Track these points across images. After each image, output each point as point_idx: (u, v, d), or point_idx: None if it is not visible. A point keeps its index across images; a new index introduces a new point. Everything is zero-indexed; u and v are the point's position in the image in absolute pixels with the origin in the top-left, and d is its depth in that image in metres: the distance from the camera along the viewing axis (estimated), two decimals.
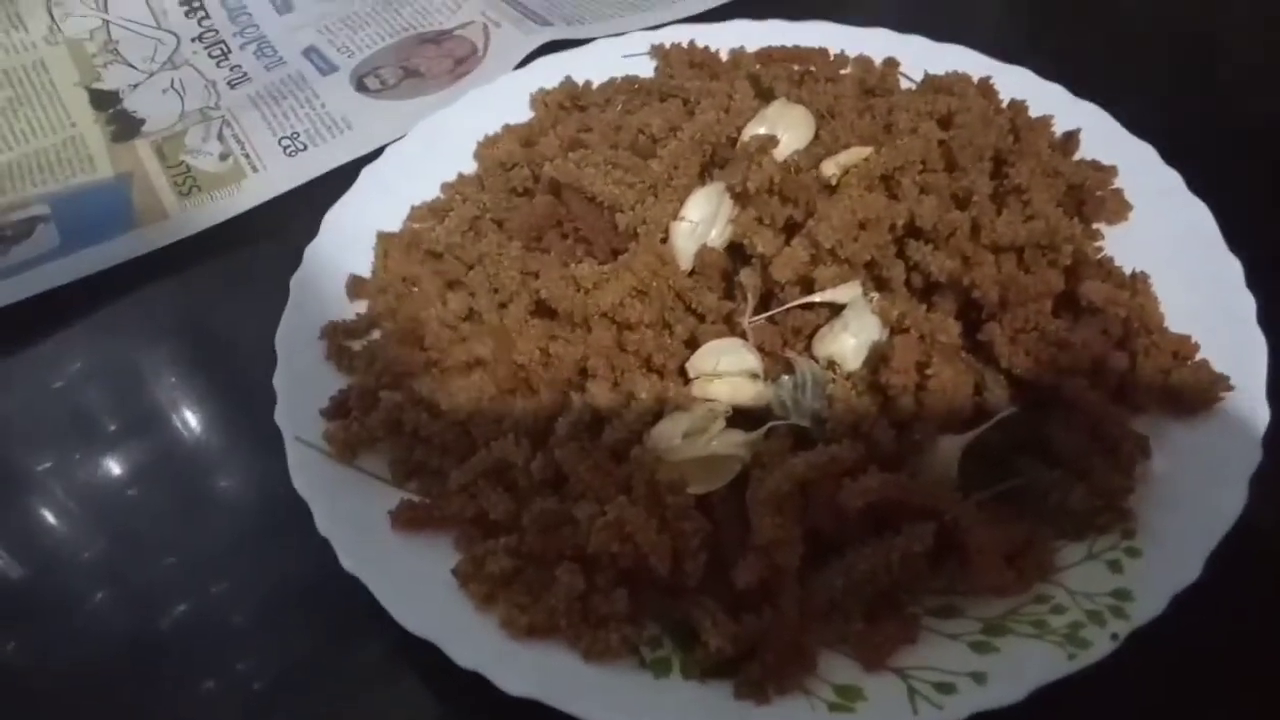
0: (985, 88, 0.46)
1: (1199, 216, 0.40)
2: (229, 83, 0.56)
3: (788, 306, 0.37)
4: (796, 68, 0.48)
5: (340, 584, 0.32)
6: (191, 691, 0.34)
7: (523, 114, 0.48)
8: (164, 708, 0.34)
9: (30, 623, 0.37)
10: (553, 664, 0.31)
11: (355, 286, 0.42)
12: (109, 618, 0.37)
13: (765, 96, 0.44)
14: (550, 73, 0.50)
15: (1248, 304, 0.37)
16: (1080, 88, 0.47)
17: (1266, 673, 0.32)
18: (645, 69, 0.50)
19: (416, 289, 0.41)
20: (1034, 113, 0.45)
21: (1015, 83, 0.47)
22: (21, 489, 0.41)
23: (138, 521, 0.39)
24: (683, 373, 0.36)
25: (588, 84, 0.49)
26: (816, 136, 0.41)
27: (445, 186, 0.46)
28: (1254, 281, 0.37)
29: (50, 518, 0.40)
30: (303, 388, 0.38)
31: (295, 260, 0.43)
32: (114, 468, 0.42)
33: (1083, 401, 0.34)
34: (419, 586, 0.33)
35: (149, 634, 0.36)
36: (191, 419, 0.43)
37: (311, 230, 0.44)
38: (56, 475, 0.42)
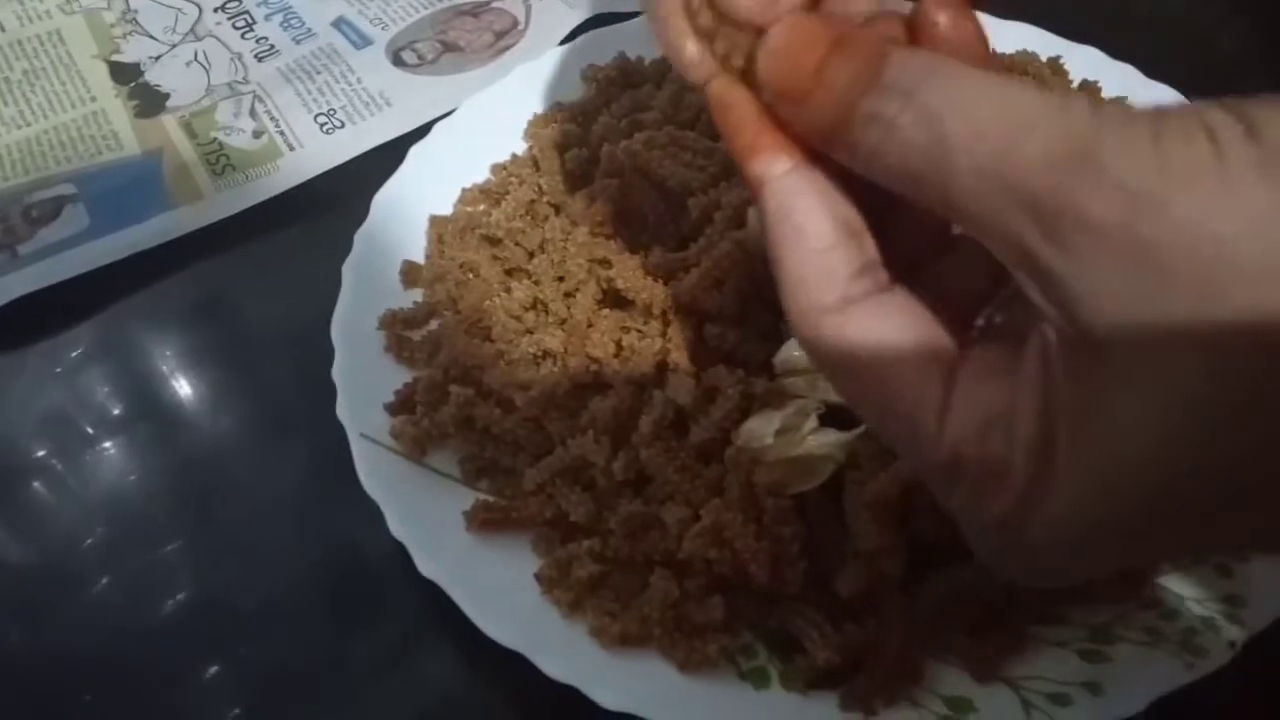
0: (1055, 68, 0.45)
1: None
2: (256, 55, 0.53)
3: None
4: None
5: (359, 574, 0.35)
6: (197, 679, 0.34)
7: (573, 91, 0.47)
8: (166, 696, 0.33)
9: (55, 606, 0.36)
10: (648, 676, 0.29)
11: (410, 273, 0.40)
12: (121, 604, 0.36)
13: None
14: (600, 47, 0.47)
15: None
16: (1152, 68, 0.45)
17: None
18: None
19: (474, 276, 0.39)
20: (1106, 94, 0.44)
21: (1085, 62, 0.45)
22: (46, 478, 0.39)
23: (155, 511, 0.38)
24: (768, 367, 0.34)
25: (640, 59, 0.47)
26: None
27: (495, 168, 0.44)
28: None
29: (68, 506, 0.39)
30: (362, 380, 0.36)
31: (335, 242, 0.41)
32: (143, 456, 0.40)
33: None
34: (500, 593, 0.31)
35: (156, 620, 0.35)
36: (228, 406, 0.41)
37: (351, 212, 0.42)
38: (85, 464, 0.40)
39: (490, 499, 0.34)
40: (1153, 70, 0.45)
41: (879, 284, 0.21)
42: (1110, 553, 0.19)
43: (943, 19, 0.21)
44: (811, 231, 0.20)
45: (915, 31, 0.22)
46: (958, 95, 0.18)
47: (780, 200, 0.21)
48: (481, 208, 0.42)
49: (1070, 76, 0.45)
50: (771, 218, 0.21)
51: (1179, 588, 0.30)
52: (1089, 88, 0.44)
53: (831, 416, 0.33)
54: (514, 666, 0.29)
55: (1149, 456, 0.17)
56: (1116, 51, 0.46)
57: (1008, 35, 0.46)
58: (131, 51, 0.54)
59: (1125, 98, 0.43)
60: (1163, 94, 0.44)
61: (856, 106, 0.19)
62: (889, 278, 0.21)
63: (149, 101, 0.51)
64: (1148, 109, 0.18)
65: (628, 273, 0.36)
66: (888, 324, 0.20)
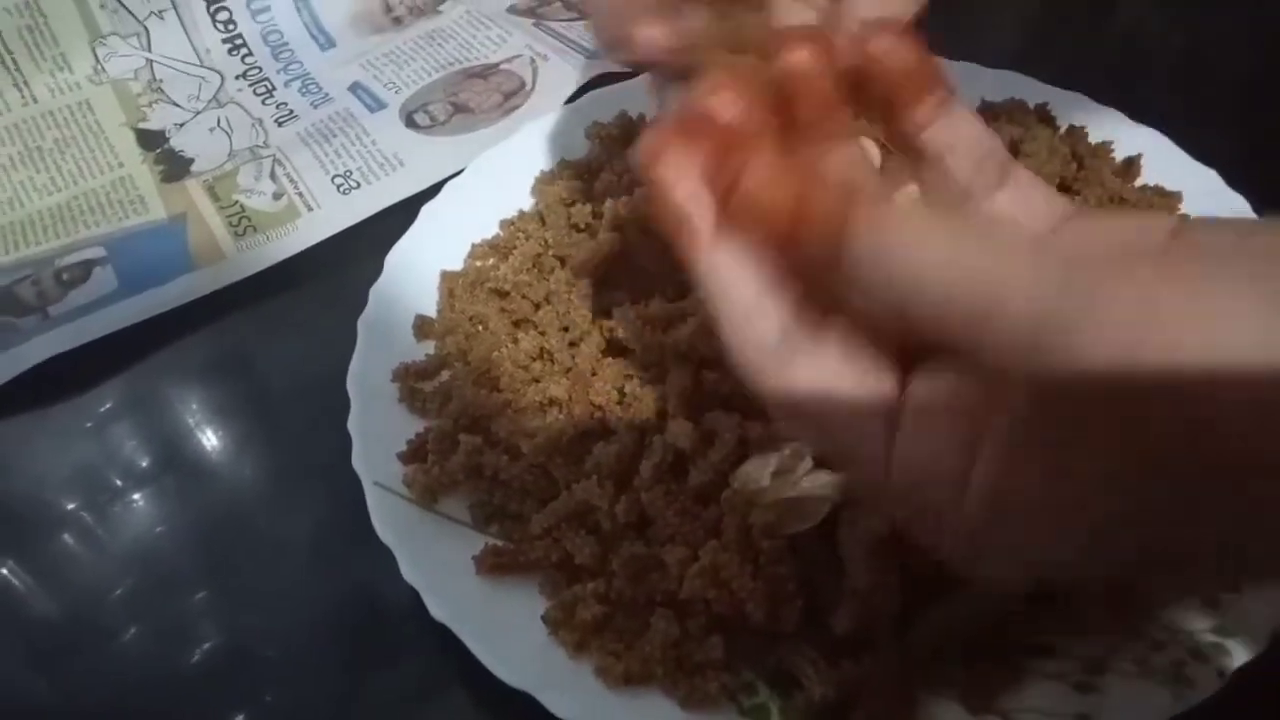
0: (1042, 114, 0.46)
1: None
2: (276, 120, 0.56)
3: None
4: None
5: (375, 618, 0.36)
6: None
7: (577, 148, 0.48)
8: None
9: (84, 656, 0.37)
10: (652, 714, 0.30)
11: (422, 327, 0.42)
12: (149, 653, 0.37)
13: None
14: (603, 106, 0.49)
15: None
16: (1138, 113, 0.46)
17: None
18: None
19: (483, 328, 0.41)
20: (1092, 139, 0.45)
21: (1071, 107, 0.47)
22: (76, 529, 0.41)
23: (180, 561, 0.39)
24: (764, 412, 0.35)
25: (641, 117, 0.49)
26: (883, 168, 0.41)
27: (504, 224, 0.46)
28: None
29: (97, 558, 0.40)
30: (376, 431, 0.38)
31: (350, 298, 0.43)
32: (168, 507, 0.41)
33: None
34: (509, 635, 0.32)
35: (183, 668, 0.36)
36: (249, 458, 0.43)
37: (366, 269, 0.44)
38: (113, 515, 0.41)
39: (499, 543, 0.35)
40: (1139, 115, 0.46)
41: (812, 325, 0.21)
42: (1057, 567, 0.21)
43: (881, 48, 0.22)
44: (738, 293, 0.22)
45: (867, 62, 0.23)
46: (923, 260, 0.19)
47: (708, 268, 0.22)
48: (490, 262, 0.44)
49: (1057, 123, 0.46)
50: (704, 287, 0.22)
51: (1169, 619, 0.31)
52: (1075, 133, 0.45)
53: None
54: (523, 706, 0.30)
55: (1105, 514, 0.18)
56: (1103, 97, 0.47)
57: (995, 83, 0.48)
58: (157, 119, 0.57)
59: (1110, 142, 0.45)
60: (1148, 137, 0.45)
61: (829, 267, 0.20)
62: (820, 315, 0.22)
63: (174, 166, 0.54)
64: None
65: (626, 322, 0.37)
66: (825, 371, 0.21)
